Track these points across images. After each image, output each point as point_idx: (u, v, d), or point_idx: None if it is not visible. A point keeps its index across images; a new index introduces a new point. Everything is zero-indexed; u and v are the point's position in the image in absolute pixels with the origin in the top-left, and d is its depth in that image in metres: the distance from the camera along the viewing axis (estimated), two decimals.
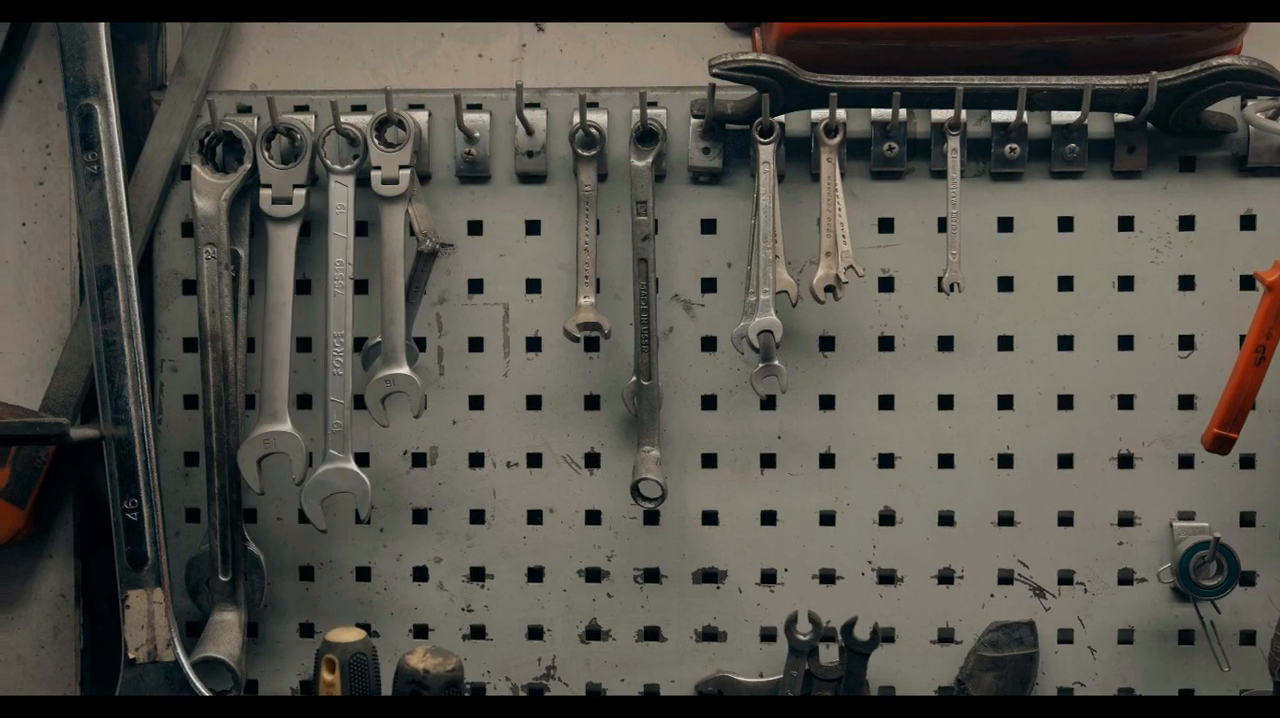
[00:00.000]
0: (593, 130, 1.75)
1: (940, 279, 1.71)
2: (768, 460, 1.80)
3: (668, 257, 1.79)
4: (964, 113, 1.69)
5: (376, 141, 1.70)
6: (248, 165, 1.72)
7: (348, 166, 1.71)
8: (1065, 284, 1.78)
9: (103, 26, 1.66)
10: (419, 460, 1.80)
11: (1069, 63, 1.69)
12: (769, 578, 1.80)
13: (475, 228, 1.79)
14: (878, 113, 1.75)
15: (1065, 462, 1.78)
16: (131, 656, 1.66)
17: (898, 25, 1.65)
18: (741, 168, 1.78)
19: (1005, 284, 1.78)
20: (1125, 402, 1.78)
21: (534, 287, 1.80)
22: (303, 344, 1.77)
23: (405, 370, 1.71)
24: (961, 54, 1.68)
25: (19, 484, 1.76)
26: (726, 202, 1.79)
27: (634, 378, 1.73)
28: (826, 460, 1.80)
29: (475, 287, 1.80)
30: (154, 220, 1.79)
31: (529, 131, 1.78)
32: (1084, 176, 1.77)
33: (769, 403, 1.79)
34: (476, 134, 1.76)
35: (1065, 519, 1.79)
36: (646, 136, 1.74)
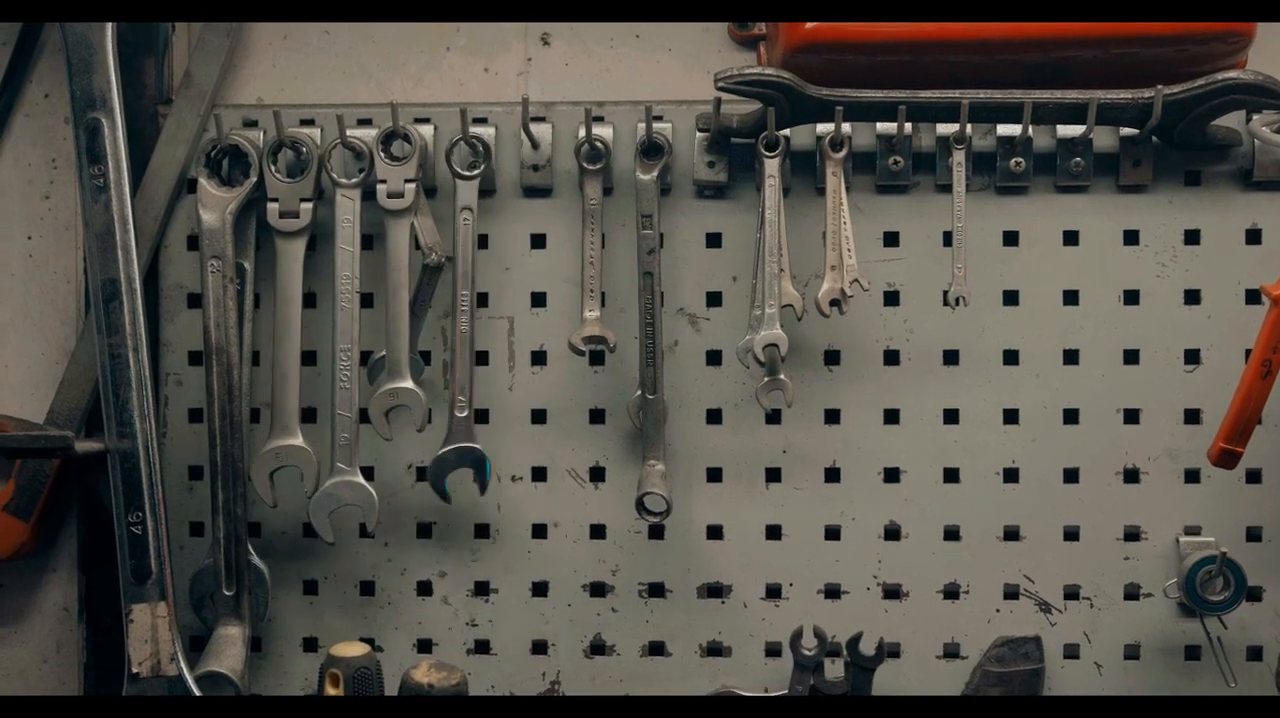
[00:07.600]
0: (598, 144, 1.75)
1: (945, 293, 1.71)
2: (773, 475, 1.79)
3: (673, 270, 1.78)
4: (969, 126, 1.69)
5: (382, 155, 1.71)
6: (253, 179, 1.72)
7: (353, 180, 1.71)
8: (1070, 298, 1.78)
9: (110, 40, 1.66)
10: (423, 474, 1.80)
11: (1074, 77, 1.69)
12: (774, 593, 1.80)
13: (481, 241, 1.78)
14: (883, 127, 1.75)
15: (1071, 476, 1.78)
16: (135, 670, 1.66)
17: (903, 39, 1.65)
18: (747, 182, 1.78)
19: (1010, 298, 1.78)
20: (1131, 416, 1.78)
21: (539, 300, 1.80)
22: (307, 358, 1.77)
23: (409, 384, 1.71)
24: (967, 68, 1.68)
25: (24, 498, 1.76)
26: (732, 215, 1.79)
27: (639, 392, 1.73)
28: (832, 475, 1.79)
29: (480, 300, 1.80)
30: (159, 234, 1.79)
31: (534, 145, 1.78)
32: (1089, 190, 1.77)
33: (774, 417, 1.79)
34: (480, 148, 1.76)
35: (1071, 534, 1.78)
36: (652, 150, 1.74)
